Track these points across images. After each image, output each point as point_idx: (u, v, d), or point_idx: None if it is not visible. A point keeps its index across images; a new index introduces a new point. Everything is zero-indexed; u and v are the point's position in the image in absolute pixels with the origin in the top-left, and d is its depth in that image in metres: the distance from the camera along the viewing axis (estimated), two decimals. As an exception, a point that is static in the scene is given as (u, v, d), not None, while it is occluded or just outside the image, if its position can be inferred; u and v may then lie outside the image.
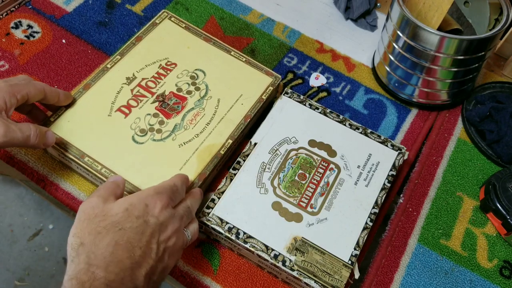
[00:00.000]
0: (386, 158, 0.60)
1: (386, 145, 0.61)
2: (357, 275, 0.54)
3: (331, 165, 0.58)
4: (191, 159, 0.57)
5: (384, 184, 0.58)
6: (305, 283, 0.51)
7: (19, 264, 1.21)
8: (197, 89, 0.62)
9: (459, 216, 0.62)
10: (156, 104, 0.60)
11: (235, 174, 0.57)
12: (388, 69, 0.70)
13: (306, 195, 0.56)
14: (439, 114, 0.72)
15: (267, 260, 0.52)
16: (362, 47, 0.78)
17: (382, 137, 0.61)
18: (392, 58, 0.68)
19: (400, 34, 0.64)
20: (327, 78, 0.73)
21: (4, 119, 0.48)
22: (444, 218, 0.62)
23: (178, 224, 0.47)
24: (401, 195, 0.63)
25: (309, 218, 0.54)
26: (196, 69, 0.64)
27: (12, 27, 0.72)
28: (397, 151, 0.61)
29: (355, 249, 0.53)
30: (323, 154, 0.59)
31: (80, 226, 0.43)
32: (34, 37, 0.71)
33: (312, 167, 0.58)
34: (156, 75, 0.62)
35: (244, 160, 0.58)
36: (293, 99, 0.63)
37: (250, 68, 0.66)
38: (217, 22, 0.77)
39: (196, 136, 0.59)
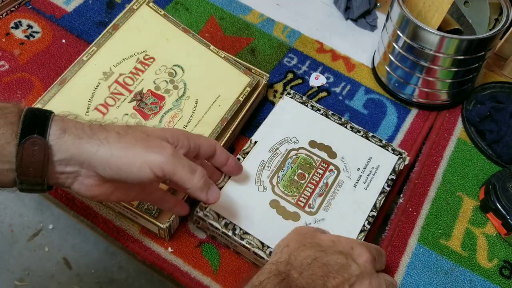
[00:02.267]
0: (386, 162, 0.60)
1: (387, 149, 0.61)
2: None
3: (331, 167, 0.58)
4: None
5: (383, 188, 0.58)
6: None
7: (19, 264, 1.21)
8: (176, 87, 0.61)
9: (459, 216, 0.62)
10: (134, 103, 0.59)
11: None
12: (388, 69, 0.70)
13: (304, 194, 0.56)
14: (439, 114, 0.72)
15: (263, 258, 0.52)
16: (362, 47, 0.78)
17: (383, 141, 0.61)
18: (392, 58, 0.68)
19: (400, 34, 0.64)
20: (327, 78, 0.73)
21: (173, 148, 0.43)
22: (444, 218, 0.62)
23: (376, 286, 0.45)
24: (401, 195, 0.63)
25: (307, 218, 0.54)
26: (174, 65, 0.62)
27: (12, 27, 0.72)
28: (397, 155, 0.61)
29: None
30: (323, 155, 0.59)
31: (290, 236, 0.47)
32: (34, 37, 0.71)
33: (312, 167, 0.58)
34: (134, 71, 0.60)
35: (243, 158, 0.58)
36: (295, 100, 0.63)
37: (229, 65, 0.64)
38: (217, 22, 0.77)
39: None
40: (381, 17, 0.82)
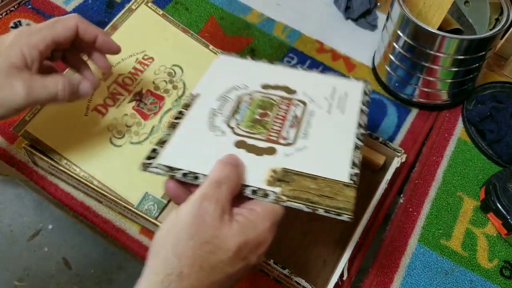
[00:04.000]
0: (353, 88, 0.52)
1: (349, 78, 0.54)
2: (345, 275, 0.54)
3: (294, 101, 0.50)
4: None
5: (361, 109, 0.49)
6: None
7: (19, 264, 1.21)
8: (175, 87, 0.61)
9: (459, 216, 0.62)
10: (133, 103, 0.58)
11: (178, 123, 0.47)
12: (388, 69, 0.70)
13: (273, 129, 0.47)
14: (439, 114, 0.72)
15: None
16: (362, 47, 0.78)
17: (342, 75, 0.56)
18: (392, 58, 0.68)
19: (401, 34, 0.64)
20: (327, 78, 0.73)
21: (24, 77, 0.42)
22: (445, 218, 0.61)
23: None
24: (401, 195, 0.63)
25: (285, 149, 0.45)
26: (173, 65, 0.62)
27: (12, 27, 0.71)
28: (364, 82, 0.54)
29: (352, 168, 0.43)
30: (282, 93, 0.51)
31: (185, 243, 0.34)
32: (33, 37, 0.71)
33: (273, 105, 0.49)
34: (133, 71, 0.60)
35: (186, 110, 0.48)
36: (233, 56, 0.56)
37: None
38: (217, 22, 0.77)
39: None
40: (381, 16, 0.82)
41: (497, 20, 0.66)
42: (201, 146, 0.45)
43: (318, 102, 0.50)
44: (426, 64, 0.64)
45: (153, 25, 0.64)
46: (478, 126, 0.68)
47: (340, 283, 0.55)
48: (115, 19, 0.62)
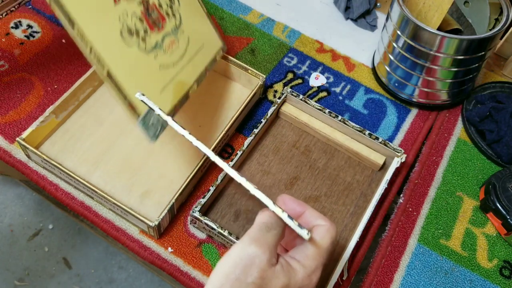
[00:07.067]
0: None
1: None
2: (345, 275, 0.54)
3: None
4: (168, 87, 0.55)
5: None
6: None
7: (19, 264, 1.21)
8: (174, 15, 0.58)
9: (459, 216, 0.62)
10: (142, 8, 0.54)
11: None
12: (388, 69, 0.70)
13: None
14: (439, 114, 0.72)
15: None
16: (362, 47, 0.78)
17: None
18: (392, 58, 0.68)
19: (400, 34, 0.64)
20: (327, 78, 0.73)
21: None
22: (444, 218, 0.62)
23: None
24: (401, 195, 0.63)
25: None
26: None
27: (12, 27, 0.72)
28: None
29: None
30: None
31: (232, 282, 0.35)
32: (34, 37, 0.71)
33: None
34: None
35: None
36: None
37: (208, 22, 0.64)
38: (217, 22, 0.77)
39: (173, 65, 0.57)
40: (381, 17, 0.82)
41: (497, 20, 0.66)
42: None
43: None
44: (426, 64, 0.64)
45: None
46: (477, 126, 0.69)
47: (340, 283, 0.55)
48: None
